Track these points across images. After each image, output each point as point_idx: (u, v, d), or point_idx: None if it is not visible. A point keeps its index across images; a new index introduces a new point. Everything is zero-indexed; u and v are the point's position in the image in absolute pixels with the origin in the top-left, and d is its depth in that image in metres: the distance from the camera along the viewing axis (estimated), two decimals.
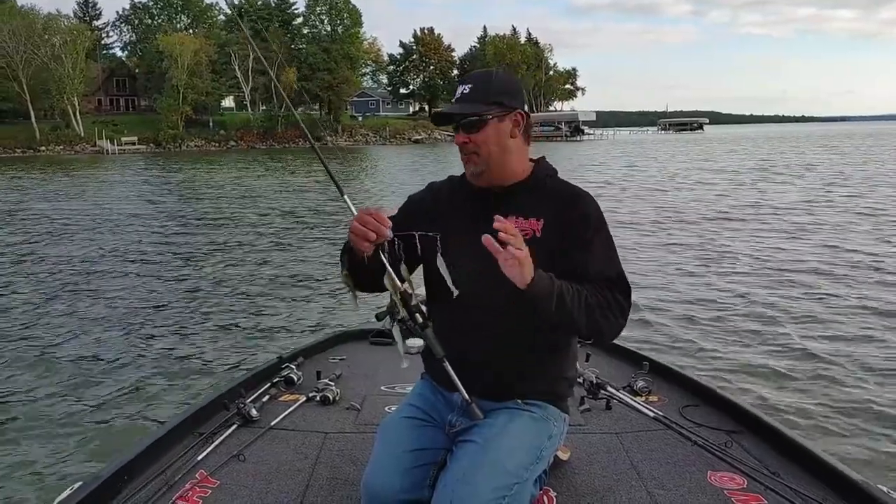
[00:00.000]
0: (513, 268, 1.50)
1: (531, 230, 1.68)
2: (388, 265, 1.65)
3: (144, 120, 63.17)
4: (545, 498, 1.91)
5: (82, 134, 59.09)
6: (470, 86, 1.72)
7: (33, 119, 57.75)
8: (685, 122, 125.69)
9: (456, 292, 1.67)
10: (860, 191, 18.18)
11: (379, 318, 1.70)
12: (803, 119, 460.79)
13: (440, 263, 1.68)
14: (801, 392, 4.74)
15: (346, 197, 1.83)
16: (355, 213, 1.65)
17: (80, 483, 1.98)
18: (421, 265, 1.78)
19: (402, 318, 1.67)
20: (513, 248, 1.48)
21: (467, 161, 1.73)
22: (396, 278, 1.66)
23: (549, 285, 1.54)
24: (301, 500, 1.96)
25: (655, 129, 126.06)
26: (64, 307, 7.61)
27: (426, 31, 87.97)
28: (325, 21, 73.39)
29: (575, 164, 32.96)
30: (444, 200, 1.82)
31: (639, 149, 53.23)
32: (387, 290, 1.68)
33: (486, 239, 1.49)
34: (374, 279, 1.69)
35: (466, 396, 1.66)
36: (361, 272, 1.69)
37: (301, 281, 8.78)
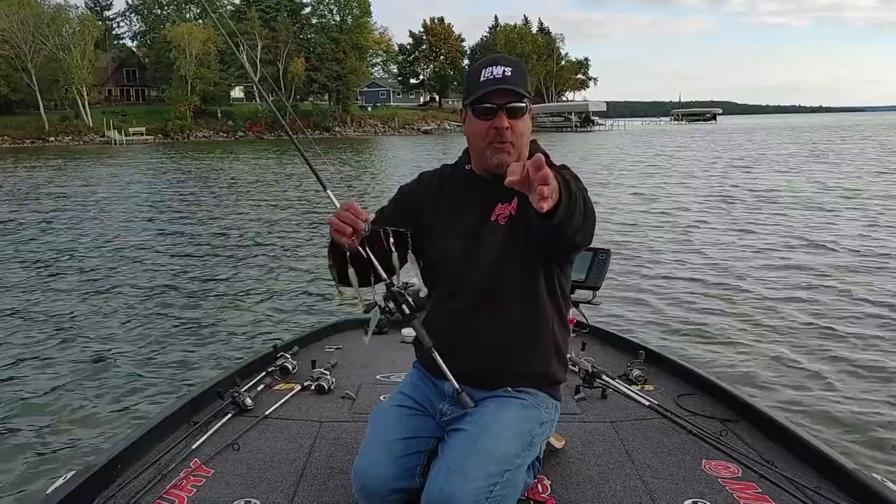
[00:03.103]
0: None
1: (508, 212, 1.69)
2: (372, 258, 1.67)
3: (154, 110, 63.10)
4: (539, 486, 1.91)
5: (91, 124, 59.10)
6: (511, 69, 1.66)
7: (42, 110, 57.76)
8: (698, 112, 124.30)
9: (425, 291, 1.73)
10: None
11: (367, 311, 1.74)
12: (820, 109, 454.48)
13: (411, 259, 1.70)
14: (796, 381, 4.71)
15: (329, 191, 1.85)
16: (339, 207, 1.67)
17: (73, 472, 1.96)
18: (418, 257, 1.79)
19: (387, 308, 1.70)
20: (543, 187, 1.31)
21: (500, 150, 1.66)
22: (382, 271, 1.69)
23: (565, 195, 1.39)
24: (295, 488, 1.95)
25: (668, 119, 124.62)
26: (59, 297, 7.57)
27: (436, 21, 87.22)
28: (334, 11, 72.98)
29: (587, 154, 32.48)
30: (435, 189, 1.82)
31: (650, 139, 52.66)
32: (376, 283, 1.71)
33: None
34: (364, 272, 1.70)
35: (456, 385, 1.67)
36: (348, 265, 1.69)
37: (297, 270, 8.75)
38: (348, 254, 1.66)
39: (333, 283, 1.78)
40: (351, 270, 1.68)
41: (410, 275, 1.77)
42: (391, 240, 1.68)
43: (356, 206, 1.63)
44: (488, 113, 1.65)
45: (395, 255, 1.68)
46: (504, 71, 1.64)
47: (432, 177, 1.87)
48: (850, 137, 45.19)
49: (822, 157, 27.64)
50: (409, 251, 1.71)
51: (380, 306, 1.70)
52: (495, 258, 1.68)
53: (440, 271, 1.76)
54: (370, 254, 1.67)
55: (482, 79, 1.66)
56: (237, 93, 73.62)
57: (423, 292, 1.76)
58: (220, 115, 65.66)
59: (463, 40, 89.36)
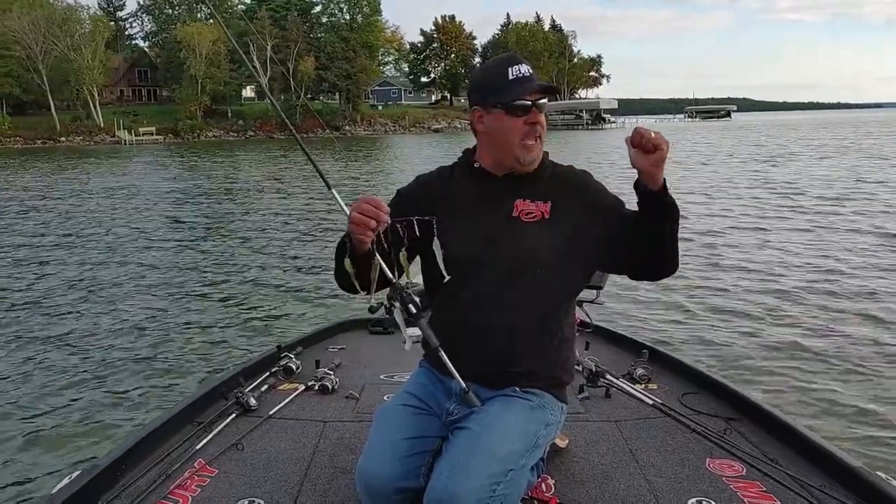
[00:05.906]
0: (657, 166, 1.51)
1: (539, 212, 1.70)
2: (377, 257, 1.65)
3: (165, 110, 63.29)
4: (543, 485, 1.90)
5: (102, 124, 59.29)
6: (530, 67, 1.72)
7: (53, 110, 58.06)
8: (712, 109, 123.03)
9: (447, 277, 1.69)
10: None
11: (372, 310, 1.76)
12: (838, 106, 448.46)
13: (435, 247, 1.68)
14: (800, 379, 4.67)
15: (334, 191, 1.89)
16: (345, 209, 1.67)
17: (78, 472, 1.97)
18: (418, 254, 1.77)
19: (394, 307, 1.69)
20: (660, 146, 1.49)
21: (533, 147, 1.70)
22: (388, 270, 1.68)
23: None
24: (299, 488, 1.96)
25: (682, 116, 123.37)
26: (63, 297, 7.57)
27: (447, 19, 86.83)
28: (344, 10, 72.75)
29: (597, 152, 32.06)
30: (438, 190, 1.80)
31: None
32: (385, 285, 1.69)
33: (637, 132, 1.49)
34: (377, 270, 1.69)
35: (463, 384, 1.67)
36: (364, 265, 1.67)
37: (302, 270, 8.74)
38: (373, 249, 1.61)
39: (344, 286, 1.74)
40: (376, 262, 1.64)
41: (414, 271, 1.75)
42: (416, 230, 1.66)
43: (377, 199, 1.60)
44: (526, 110, 1.68)
45: (402, 252, 1.67)
46: (528, 69, 1.71)
47: (431, 177, 1.86)
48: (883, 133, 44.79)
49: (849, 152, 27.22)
50: (435, 238, 1.69)
51: (385, 306, 1.69)
52: (512, 256, 1.67)
53: (449, 269, 1.74)
54: (377, 254, 1.64)
55: (511, 77, 1.69)
56: (248, 92, 73.60)
57: (446, 277, 1.73)
58: (230, 114, 65.67)
59: (474, 38, 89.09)
